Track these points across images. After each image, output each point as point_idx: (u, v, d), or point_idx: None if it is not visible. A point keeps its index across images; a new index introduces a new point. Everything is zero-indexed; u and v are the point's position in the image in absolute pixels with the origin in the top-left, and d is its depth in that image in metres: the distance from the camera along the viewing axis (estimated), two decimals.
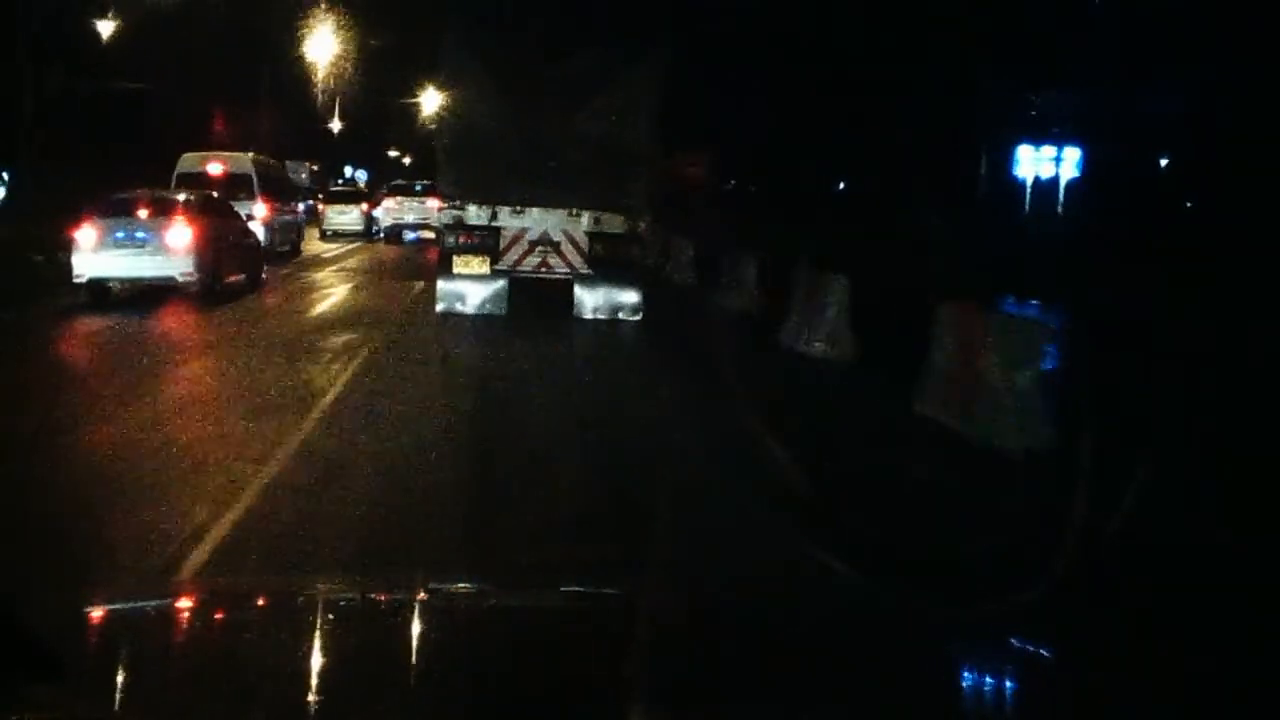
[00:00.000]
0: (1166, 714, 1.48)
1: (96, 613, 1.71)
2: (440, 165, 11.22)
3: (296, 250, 19.80)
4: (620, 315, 10.97)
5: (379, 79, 43.33)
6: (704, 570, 3.51)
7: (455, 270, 10.86)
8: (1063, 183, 22.64)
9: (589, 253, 10.94)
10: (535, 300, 11.33)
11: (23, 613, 1.28)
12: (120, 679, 1.41)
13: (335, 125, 45.99)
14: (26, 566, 3.40)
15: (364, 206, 26.70)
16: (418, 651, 1.58)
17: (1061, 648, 1.74)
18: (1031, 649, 1.68)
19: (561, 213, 10.92)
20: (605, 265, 10.93)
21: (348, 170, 43.69)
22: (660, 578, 2.26)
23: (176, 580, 3.46)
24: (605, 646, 1.54)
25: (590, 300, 11.04)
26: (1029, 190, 23.07)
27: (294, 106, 36.02)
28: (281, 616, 1.76)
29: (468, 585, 2.14)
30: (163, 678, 1.43)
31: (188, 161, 17.23)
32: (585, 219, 10.95)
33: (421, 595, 1.91)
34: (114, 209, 11.88)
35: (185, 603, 1.92)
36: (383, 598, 1.90)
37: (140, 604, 1.87)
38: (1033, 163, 23.00)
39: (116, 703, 1.33)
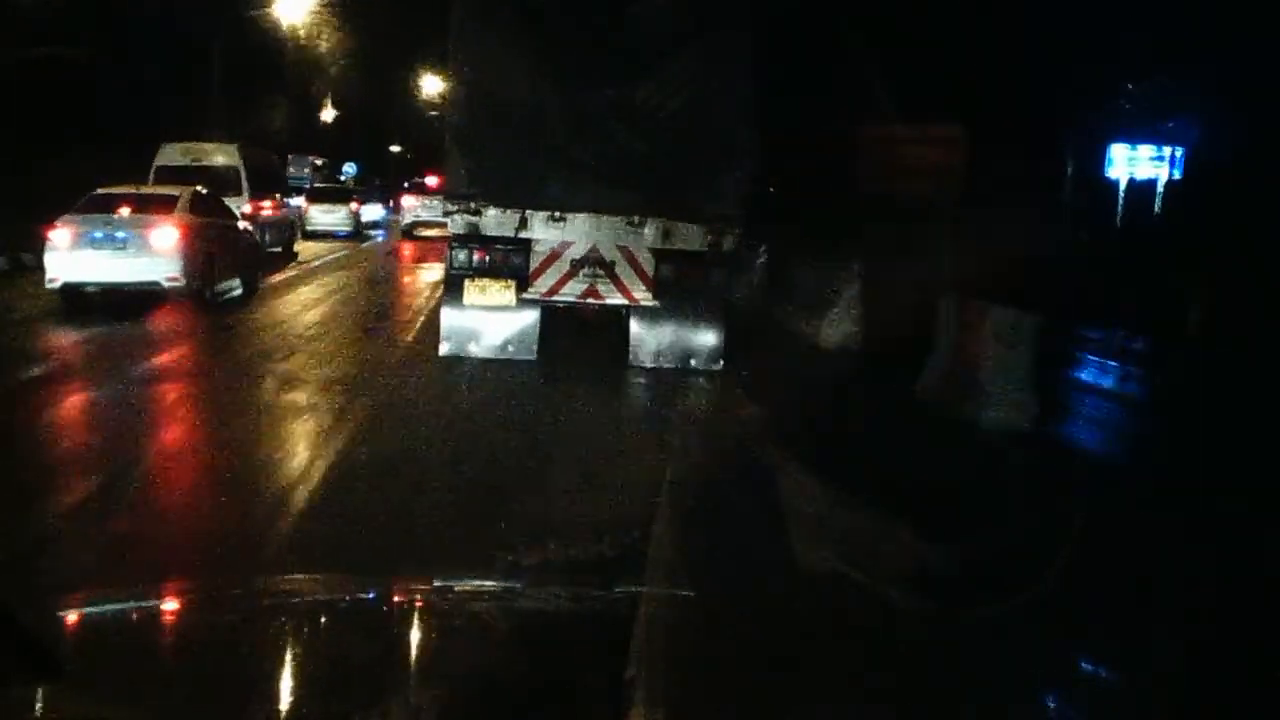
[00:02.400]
0: None
1: (96, 613, 1.84)
2: (449, 153, 8.92)
3: (290, 252, 19.84)
4: (693, 363, 9.05)
5: (376, 59, 43.40)
6: None
7: (467, 299, 8.84)
8: (1160, 185, 22.13)
9: (654, 277, 8.98)
10: (573, 337, 9.67)
11: (23, 613, 1.36)
12: (120, 679, 1.50)
13: (328, 114, 46.18)
14: None
15: (352, 206, 27.03)
16: (418, 651, 1.73)
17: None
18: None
19: (617, 221, 8.87)
20: (676, 295, 8.99)
21: (348, 167, 43.80)
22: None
23: (177, 581, 3.54)
24: (609, 646, 1.61)
25: (652, 342, 9.08)
26: (1121, 194, 22.54)
27: (285, 95, 36.12)
28: (282, 617, 1.89)
29: (470, 585, 2.31)
30: (163, 678, 1.54)
31: (168, 153, 17.37)
32: (650, 230, 8.88)
33: (422, 595, 2.09)
34: (92, 205, 11.85)
35: (186, 603, 2.04)
36: (383, 597, 2.05)
37: (140, 604, 1.98)
38: (1126, 163, 22.49)
39: (116, 703, 1.41)
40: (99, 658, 1.61)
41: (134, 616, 1.87)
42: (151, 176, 16.44)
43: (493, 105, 8.70)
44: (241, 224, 14.15)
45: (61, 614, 1.75)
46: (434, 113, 49.77)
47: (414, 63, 46.98)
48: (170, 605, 2.01)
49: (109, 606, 1.92)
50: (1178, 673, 3.47)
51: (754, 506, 5.06)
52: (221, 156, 17.67)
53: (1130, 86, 20.09)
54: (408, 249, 23.43)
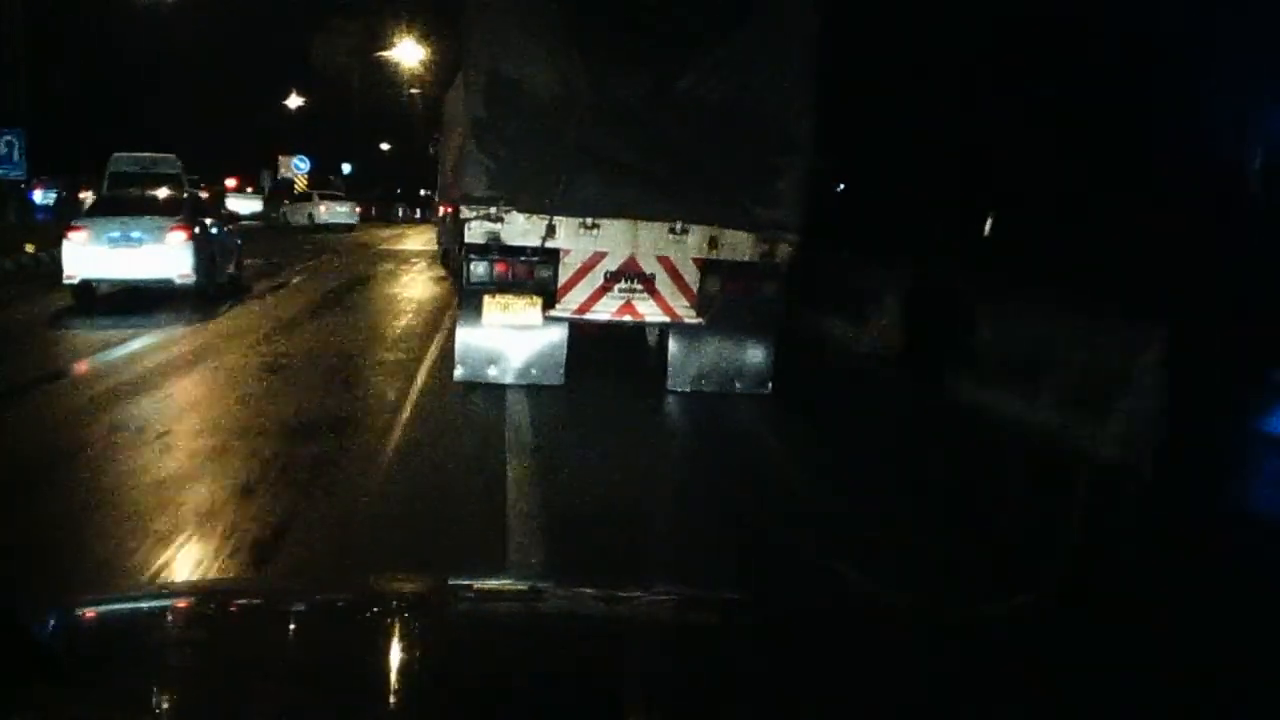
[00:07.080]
0: None
1: (96, 613, 2.10)
2: (464, 151, 9.32)
3: None
4: (738, 387, 9.70)
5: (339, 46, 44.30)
6: None
7: (487, 317, 9.30)
8: None
9: (699, 291, 9.49)
10: (600, 357, 10.13)
11: (22, 613, 1.57)
12: (120, 679, 1.71)
13: (293, 101, 47.05)
14: None
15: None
16: (422, 652, 2.00)
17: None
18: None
19: (658, 228, 9.27)
20: (722, 311, 9.49)
21: (298, 162, 44.66)
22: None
23: (178, 580, 4.17)
24: (610, 648, 1.90)
25: (694, 362, 9.72)
26: None
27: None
28: (283, 617, 2.20)
29: (473, 584, 2.67)
30: (163, 678, 1.76)
31: (120, 161, 22.59)
32: (695, 238, 9.29)
33: (427, 594, 2.42)
34: (104, 207, 15.41)
35: (187, 602, 2.35)
36: (387, 597, 2.36)
37: (141, 604, 2.32)
38: None
39: (117, 703, 1.60)
40: (99, 658, 1.81)
41: (136, 616, 2.13)
42: (105, 182, 21.54)
43: (515, 95, 8.96)
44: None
45: (63, 614, 1.97)
46: (414, 90, 50.68)
47: (382, 46, 48.08)
48: (173, 604, 2.32)
49: (110, 606, 2.20)
50: None
51: None
52: (165, 165, 22.80)
53: None
54: (380, 254, 29.13)
